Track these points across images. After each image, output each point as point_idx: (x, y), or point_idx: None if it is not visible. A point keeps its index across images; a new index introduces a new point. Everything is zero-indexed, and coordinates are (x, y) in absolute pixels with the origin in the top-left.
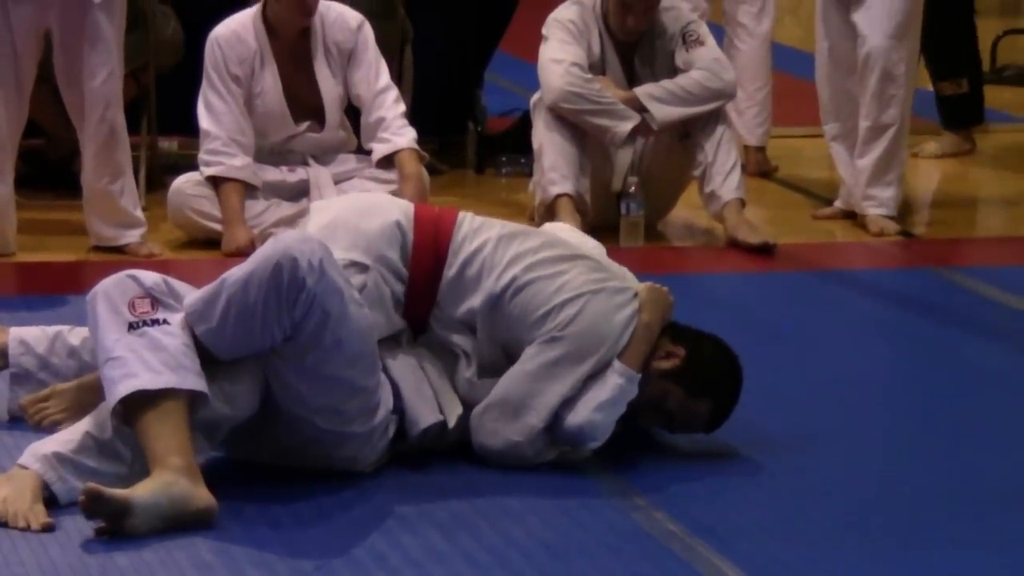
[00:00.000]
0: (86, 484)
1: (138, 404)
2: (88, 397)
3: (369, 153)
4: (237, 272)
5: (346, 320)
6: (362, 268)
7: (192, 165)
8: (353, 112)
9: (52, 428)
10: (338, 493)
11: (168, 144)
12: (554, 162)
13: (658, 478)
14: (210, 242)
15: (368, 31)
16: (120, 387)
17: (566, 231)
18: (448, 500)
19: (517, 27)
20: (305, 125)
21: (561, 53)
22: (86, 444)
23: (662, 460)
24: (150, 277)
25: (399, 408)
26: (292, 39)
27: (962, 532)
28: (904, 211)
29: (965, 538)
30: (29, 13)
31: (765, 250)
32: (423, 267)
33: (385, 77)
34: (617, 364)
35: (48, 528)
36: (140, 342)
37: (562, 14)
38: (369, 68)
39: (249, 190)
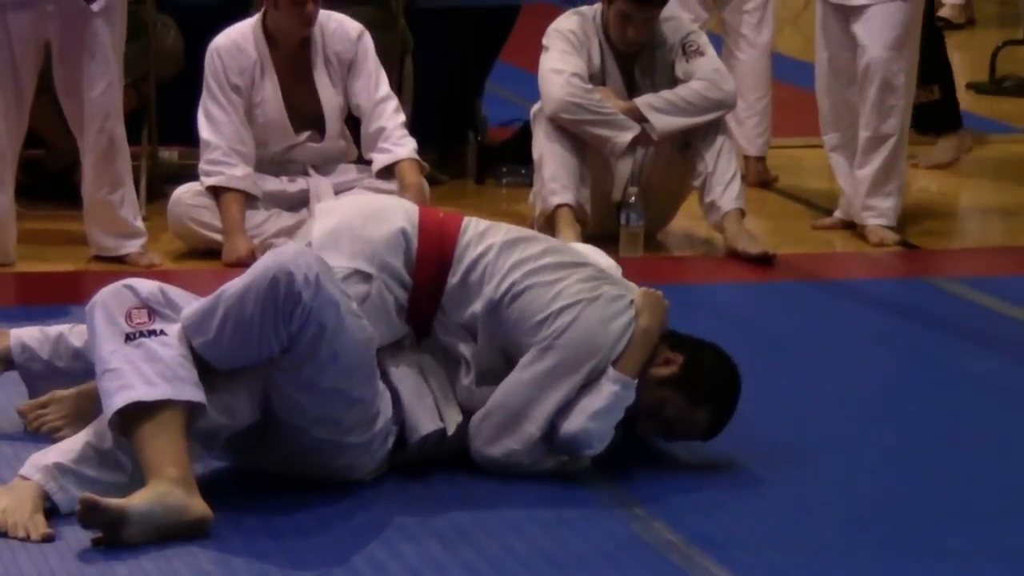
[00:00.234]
0: (82, 494)
1: (135, 415)
2: (87, 405)
3: (369, 163)
4: (234, 285)
5: (342, 332)
6: (366, 277)
7: (192, 175)
8: (353, 122)
9: (51, 434)
10: (338, 503)
11: (168, 154)
12: (554, 172)
13: (657, 488)
14: (210, 252)
15: (368, 41)
16: (116, 399)
17: (584, 247)
18: (448, 510)
19: (517, 37)
20: (305, 135)
21: (561, 63)
22: (86, 454)
23: (661, 470)
24: (147, 287)
25: (399, 416)
26: (292, 49)
27: (961, 542)
28: (904, 221)
29: (964, 548)
30: (28, 23)
31: (765, 260)
32: (427, 274)
33: (385, 87)
34: (611, 372)
35: (48, 538)
36: (136, 353)
37: (562, 24)
38: (369, 78)
39: (249, 200)
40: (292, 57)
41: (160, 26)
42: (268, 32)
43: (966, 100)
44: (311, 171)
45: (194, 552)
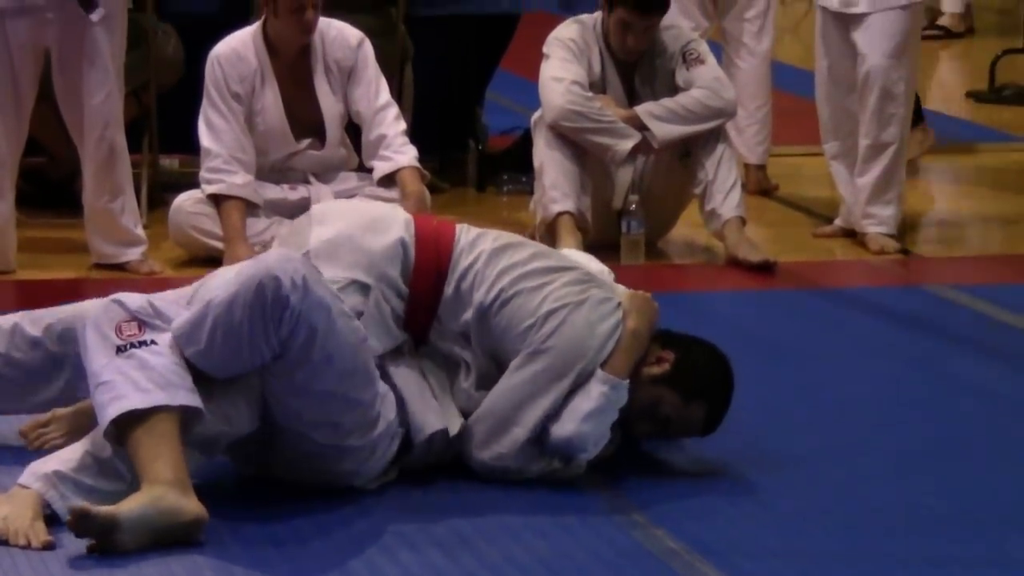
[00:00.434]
0: (73, 504)
1: (129, 423)
2: (87, 421)
3: (370, 171)
4: (221, 293)
5: (335, 335)
6: (363, 287)
7: (193, 183)
8: (354, 130)
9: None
10: (338, 510)
11: (169, 162)
12: (555, 180)
13: (658, 495)
14: (211, 260)
15: (368, 48)
16: (110, 410)
17: (576, 254)
18: (448, 517)
19: (518, 45)
20: (306, 143)
21: (562, 71)
22: (86, 463)
23: (662, 478)
24: (135, 301)
25: (403, 418)
26: (292, 57)
27: (962, 550)
28: (904, 229)
29: (965, 556)
30: (27, 30)
31: (765, 268)
32: (424, 284)
33: (385, 94)
34: (600, 373)
35: (48, 546)
36: (128, 364)
37: (563, 33)
38: (369, 85)
39: (250, 208)
40: (292, 65)
41: (160, 34)
42: (268, 40)
43: (966, 109)
44: (312, 179)
45: (194, 558)
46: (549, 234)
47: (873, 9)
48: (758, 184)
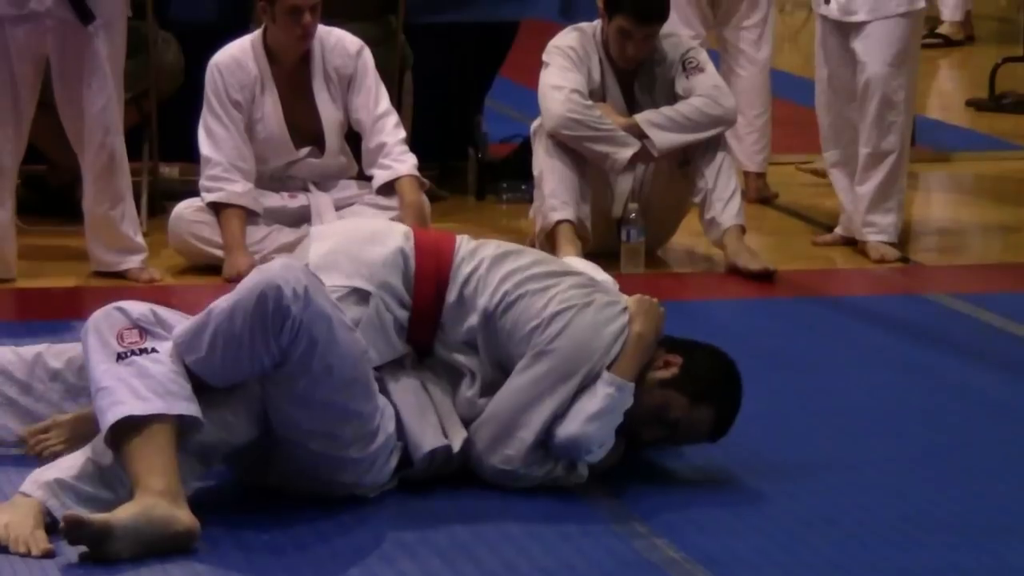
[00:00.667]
0: (65, 512)
1: (126, 430)
2: (87, 427)
3: (370, 179)
4: (223, 302)
5: (335, 346)
6: (364, 295)
7: (193, 191)
8: (354, 138)
9: (52, 458)
10: (338, 518)
11: (169, 170)
12: (554, 188)
13: (659, 505)
14: (211, 268)
15: (368, 56)
16: (108, 415)
17: (579, 262)
18: (449, 526)
19: (517, 53)
20: (305, 151)
21: (561, 80)
22: (87, 470)
23: (664, 487)
24: (137, 308)
25: (402, 434)
26: (292, 65)
27: (963, 558)
28: (904, 238)
29: (966, 565)
30: (27, 38)
31: (765, 277)
32: (426, 293)
33: (385, 102)
34: (606, 375)
35: (49, 554)
36: (127, 371)
37: (562, 41)
38: (369, 93)
39: (250, 216)
40: (292, 73)
41: (161, 42)
42: (268, 48)
43: (966, 117)
44: (311, 187)
45: (194, 566)
46: (549, 242)
47: (873, 17)
48: (758, 192)
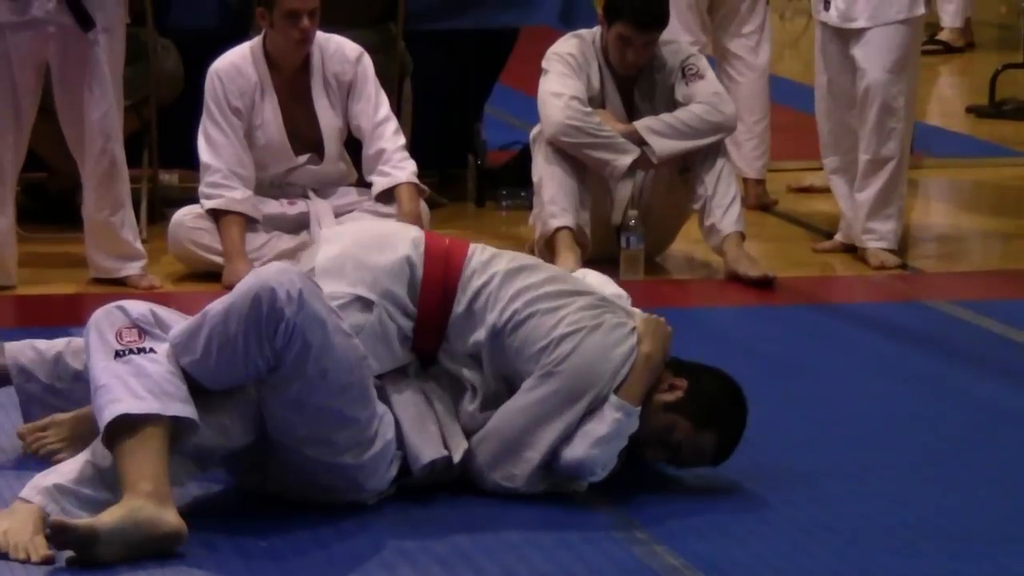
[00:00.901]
0: (51, 517)
1: (120, 430)
2: (86, 426)
3: (370, 186)
4: (218, 305)
5: (330, 350)
6: (367, 303)
7: (192, 198)
8: (354, 145)
9: (49, 457)
10: (337, 524)
11: (169, 177)
12: (554, 195)
13: (660, 512)
14: (210, 275)
15: (367, 63)
16: (105, 413)
17: (593, 276)
18: (448, 533)
19: (517, 60)
20: (305, 157)
21: (561, 86)
22: (86, 473)
23: (664, 494)
24: (137, 308)
25: (400, 442)
26: (292, 71)
27: (964, 566)
28: (904, 244)
29: (968, 573)
30: (28, 44)
31: (765, 283)
32: (431, 302)
33: (385, 108)
34: (613, 399)
35: (48, 560)
36: (125, 369)
37: (562, 47)
38: (369, 100)
39: (249, 223)
40: (292, 79)
41: (160, 50)
42: (268, 54)
43: (966, 124)
44: (311, 194)
45: (192, 572)
46: (548, 249)
47: (872, 24)
48: (757, 199)
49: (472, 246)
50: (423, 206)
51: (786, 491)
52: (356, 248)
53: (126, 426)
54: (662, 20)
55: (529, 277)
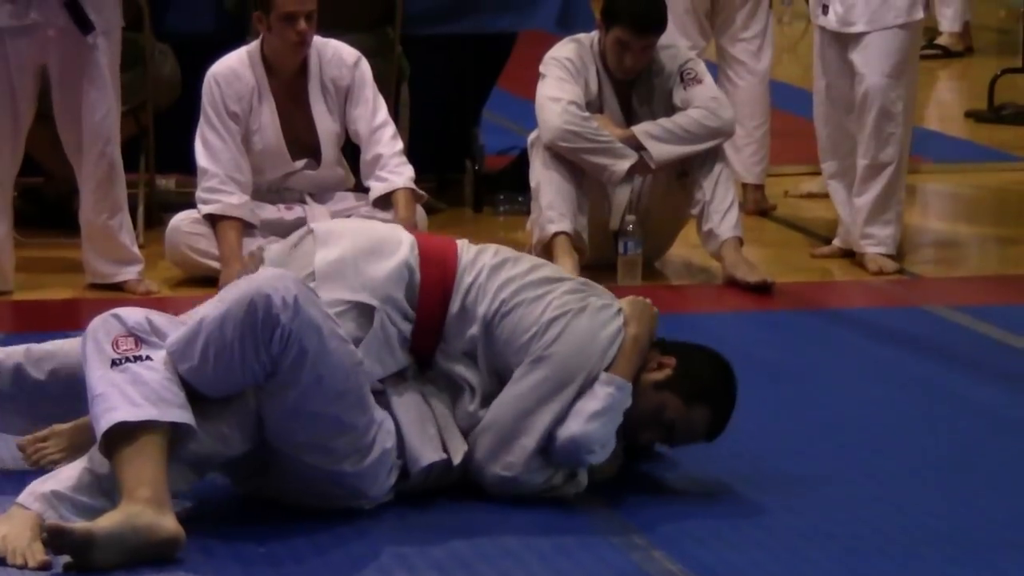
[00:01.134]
0: (48, 522)
1: (118, 437)
2: (85, 437)
3: (367, 190)
4: (213, 311)
5: (326, 356)
6: (368, 310)
7: (190, 203)
8: (352, 150)
9: (50, 468)
10: (336, 530)
11: (166, 182)
12: (552, 200)
13: (657, 517)
14: (207, 280)
15: (365, 67)
16: (102, 422)
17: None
18: (446, 539)
19: (514, 65)
20: (302, 162)
21: (559, 91)
22: (84, 480)
23: (662, 499)
24: (133, 316)
25: (401, 450)
26: (289, 76)
27: (963, 572)
28: (902, 249)
29: None
30: (26, 49)
31: (763, 289)
32: (430, 305)
33: (383, 113)
34: (604, 375)
35: (46, 566)
36: (121, 377)
37: (560, 52)
38: (366, 105)
39: (247, 228)
40: (289, 84)
41: (158, 54)
42: (265, 59)
43: (965, 128)
44: (308, 199)
45: None
46: (545, 254)
47: (871, 28)
48: (756, 204)
49: (459, 243)
50: (419, 211)
51: (784, 496)
52: (355, 253)
53: (124, 434)
54: (660, 24)
55: (513, 268)
